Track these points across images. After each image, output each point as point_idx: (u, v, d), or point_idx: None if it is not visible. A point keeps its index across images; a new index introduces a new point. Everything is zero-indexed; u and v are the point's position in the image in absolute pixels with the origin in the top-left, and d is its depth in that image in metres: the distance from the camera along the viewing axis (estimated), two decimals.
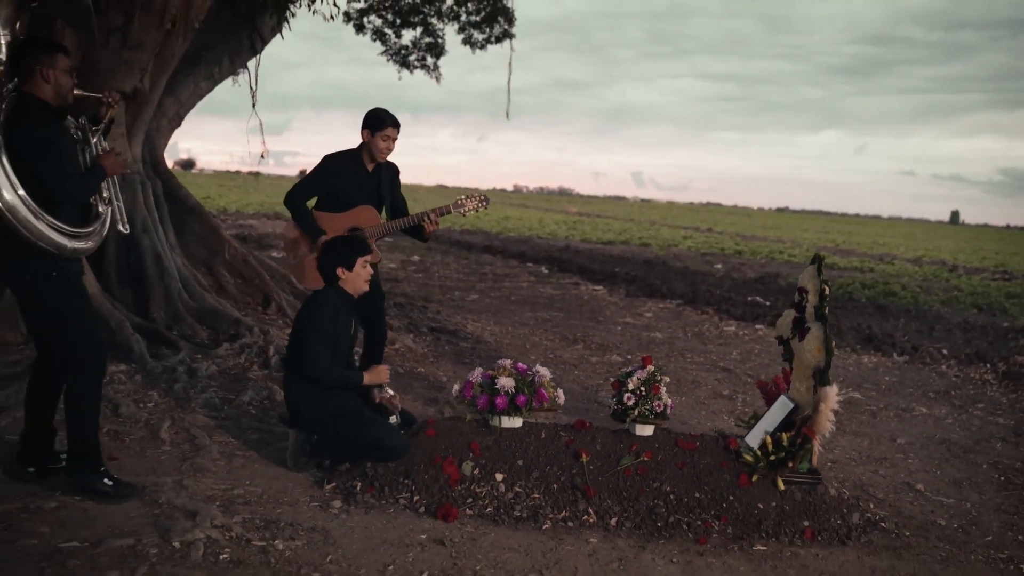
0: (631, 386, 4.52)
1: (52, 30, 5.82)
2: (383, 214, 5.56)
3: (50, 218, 3.75)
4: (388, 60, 17.67)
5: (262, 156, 11.16)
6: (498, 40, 16.84)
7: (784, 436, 4.39)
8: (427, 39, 17.10)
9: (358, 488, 4.26)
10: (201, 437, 4.95)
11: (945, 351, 9.72)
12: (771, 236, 41.09)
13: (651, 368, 4.60)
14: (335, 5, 14.28)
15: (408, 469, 4.31)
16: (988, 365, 9.07)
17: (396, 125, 5.41)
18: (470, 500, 4.19)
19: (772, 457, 4.36)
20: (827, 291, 4.42)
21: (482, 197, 5.67)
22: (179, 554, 3.48)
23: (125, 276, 7.72)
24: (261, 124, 11.09)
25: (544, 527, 4.06)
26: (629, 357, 8.49)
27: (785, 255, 26.46)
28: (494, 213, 43.46)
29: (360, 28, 16.44)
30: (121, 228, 4.23)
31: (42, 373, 4.17)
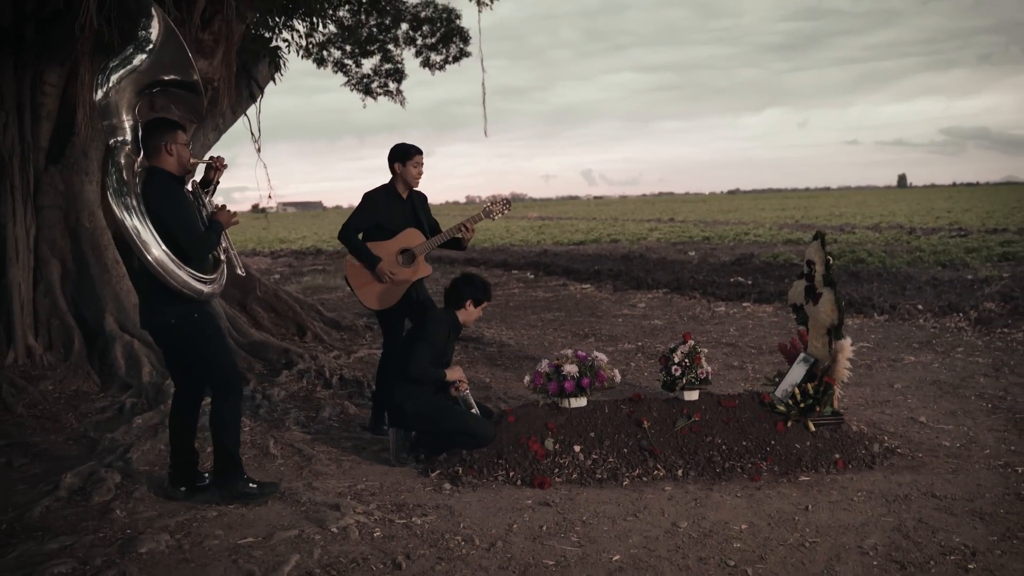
0: (677, 359, 5.32)
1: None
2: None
3: (188, 268, 4.48)
4: (351, 90, 18.36)
5: (269, 196, 11.85)
6: (455, 59, 17.56)
7: (809, 386, 5.22)
8: (387, 66, 17.81)
9: (460, 472, 5.01)
10: (306, 449, 5.68)
11: (920, 306, 10.63)
12: (731, 219, 42.23)
13: (691, 343, 5.40)
14: (322, 51, 15.02)
15: (499, 451, 5.07)
16: (961, 314, 9.99)
17: (421, 152, 6.16)
18: (557, 470, 4.96)
19: (801, 405, 5.18)
20: (831, 261, 5.26)
21: (505, 200, 6.41)
22: (340, 537, 4.21)
23: None
24: (266, 167, 11.80)
25: (624, 483, 4.85)
26: (639, 343, 9.30)
27: (751, 236, 27.48)
28: None
29: (321, 62, 17.12)
30: (239, 271, 4.95)
31: (182, 404, 4.89)
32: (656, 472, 4.94)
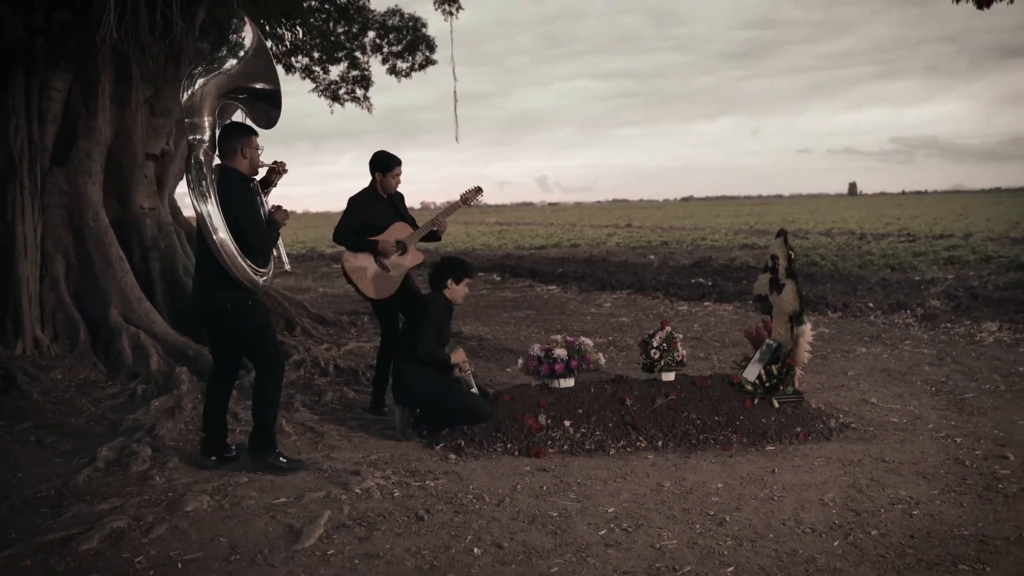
0: (655, 343, 5.91)
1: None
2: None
3: (248, 260, 4.97)
4: (319, 96, 18.81)
5: None
6: (421, 67, 18.06)
7: (773, 368, 5.84)
8: (354, 72, 18.28)
9: (462, 444, 5.56)
10: (316, 427, 6.20)
11: (871, 304, 11.37)
12: (687, 225, 43.14)
13: (668, 329, 6.00)
14: (290, 57, 15.48)
15: (497, 426, 5.63)
16: (908, 311, 10.74)
17: (400, 163, 6.69)
18: (549, 442, 5.53)
19: (767, 384, 5.79)
20: (793, 255, 5.89)
21: (477, 188, 6.97)
22: (363, 496, 4.74)
23: (176, 316, 8.86)
24: None
25: (611, 453, 5.43)
26: (610, 338, 9.90)
27: (707, 241, 28.32)
28: None
29: (289, 68, 17.55)
30: (286, 267, 5.46)
31: (220, 379, 5.40)
32: (639, 443, 5.53)
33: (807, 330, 5.81)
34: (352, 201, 6.71)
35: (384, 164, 6.59)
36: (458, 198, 6.88)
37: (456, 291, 6.01)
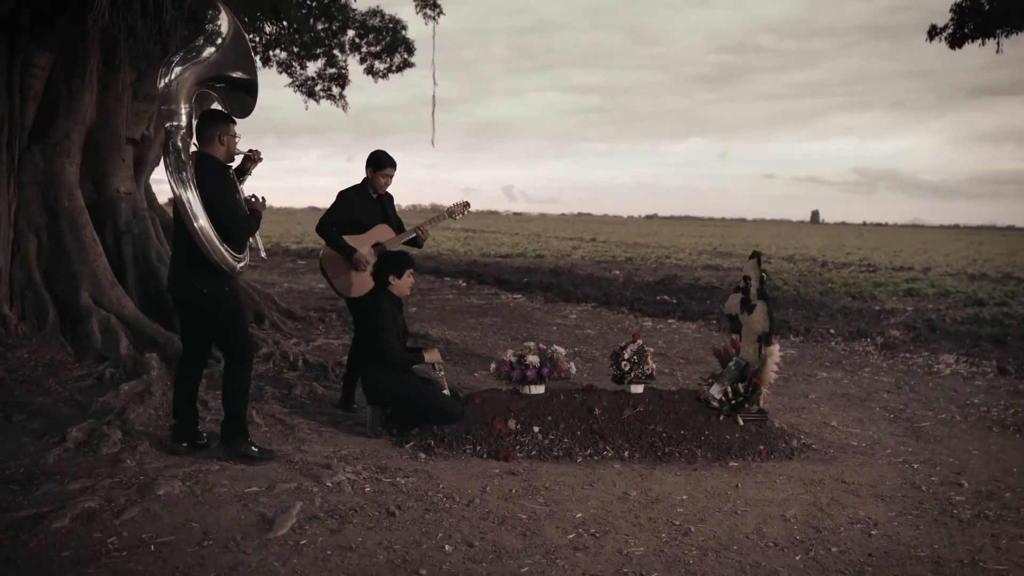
0: (626, 356, 6.02)
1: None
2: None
3: (227, 246, 5.02)
4: (295, 91, 18.77)
5: None
6: (399, 69, 18.09)
7: (740, 386, 5.97)
8: (331, 70, 18.28)
9: (432, 444, 5.63)
10: (287, 420, 6.24)
11: (832, 331, 11.58)
12: (652, 243, 43.50)
13: (640, 342, 6.12)
14: (268, 51, 15.50)
15: (468, 428, 5.70)
16: (868, 339, 10.96)
17: (394, 165, 6.74)
18: (518, 447, 5.61)
19: (733, 402, 5.92)
20: (765, 277, 6.03)
21: (465, 203, 7.07)
22: (335, 490, 4.80)
23: (146, 302, 8.84)
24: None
25: (578, 461, 5.53)
26: (576, 349, 10.01)
27: (672, 259, 28.61)
28: None
29: (266, 61, 17.51)
30: (262, 255, 5.50)
31: (189, 364, 5.43)
32: (605, 453, 5.63)
33: (775, 351, 5.95)
34: (341, 195, 6.75)
35: (377, 161, 6.64)
36: (445, 210, 6.97)
37: (400, 285, 6.06)
